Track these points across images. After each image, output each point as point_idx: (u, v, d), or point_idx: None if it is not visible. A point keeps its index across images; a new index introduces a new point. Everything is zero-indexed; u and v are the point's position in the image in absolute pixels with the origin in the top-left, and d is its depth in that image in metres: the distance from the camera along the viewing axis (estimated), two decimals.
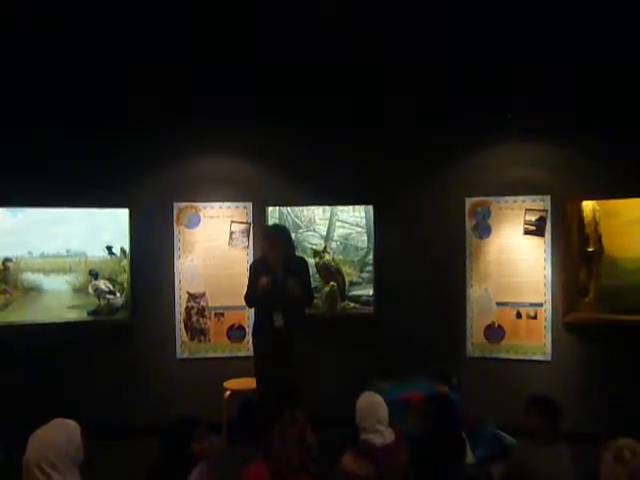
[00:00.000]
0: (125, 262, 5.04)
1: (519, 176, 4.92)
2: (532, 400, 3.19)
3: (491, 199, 4.99)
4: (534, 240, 4.87)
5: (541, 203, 4.86)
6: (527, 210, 4.89)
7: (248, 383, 4.71)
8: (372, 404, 3.11)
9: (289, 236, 4.46)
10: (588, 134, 4.63)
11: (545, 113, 4.73)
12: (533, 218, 4.87)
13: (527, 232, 4.88)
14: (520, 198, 4.91)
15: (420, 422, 3.11)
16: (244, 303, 4.47)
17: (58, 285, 4.96)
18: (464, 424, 3.49)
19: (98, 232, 5.02)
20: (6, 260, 4.83)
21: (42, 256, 4.93)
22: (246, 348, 5.10)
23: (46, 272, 4.95)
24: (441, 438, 2.95)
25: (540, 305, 4.84)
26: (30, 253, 4.91)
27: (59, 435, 2.35)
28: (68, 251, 5.00)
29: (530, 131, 4.85)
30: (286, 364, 4.18)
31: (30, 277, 4.91)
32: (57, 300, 4.96)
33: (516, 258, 4.92)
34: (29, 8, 4.05)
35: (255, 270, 4.34)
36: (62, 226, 4.96)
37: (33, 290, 4.91)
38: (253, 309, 4.51)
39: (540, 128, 4.80)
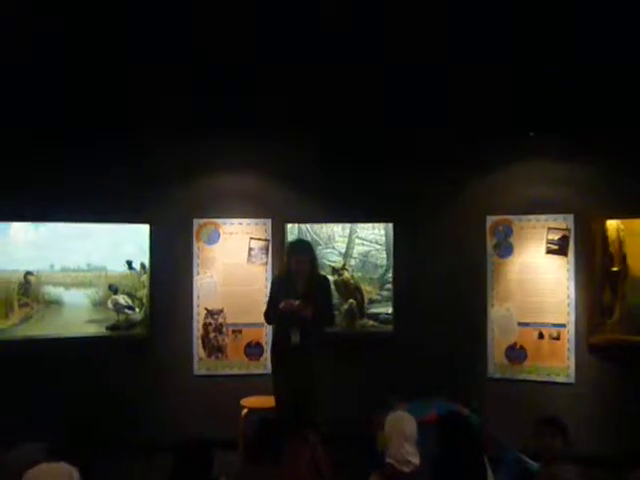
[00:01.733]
0: (145, 277, 5.05)
1: (542, 194, 4.86)
2: (540, 421, 3.12)
3: (513, 217, 4.93)
4: (557, 259, 4.79)
5: (564, 222, 4.78)
6: (550, 229, 4.81)
7: (265, 401, 4.67)
8: (403, 426, 3.03)
9: (314, 252, 4.42)
10: (612, 153, 4.57)
11: (569, 131, 4.68)
12: (556, 237, 4.79)
13: (550, 251, 4.81)
14: (543, 217, 4.85)
15: (438, 442, 3.02)
16: (262, 320, 4.46)
17: (78, 299, 4.98)
18: (485, 448, 3.40)
19: (119, 247, 5.05)
20: (28, 273, 4.86)
21: (63, 270, 4.96)
22: (263, 365, 5.08)
23: (67, 286, 4.97)
24: (461, 460, 2.87)
25: (563, 326, 4.75)
26: (52, 266, 4.94)
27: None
28: (89, 265, 5.02)
29: (553, 149, 4.81)
30: (303, 381, 4.13)
31: (51, 290, 4.93)
32: (77, 314, 4.97)
33: (538, 278, 4.84)
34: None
35: (276, 286, 4.33)
36: (83, 240, 4.99)
37: (54, 303, 4.93)
38: (272, 326, 4.48)
39: (563, 146, 4.76)
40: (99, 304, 5.02)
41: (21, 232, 4.86)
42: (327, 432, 3.02)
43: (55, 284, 4.96)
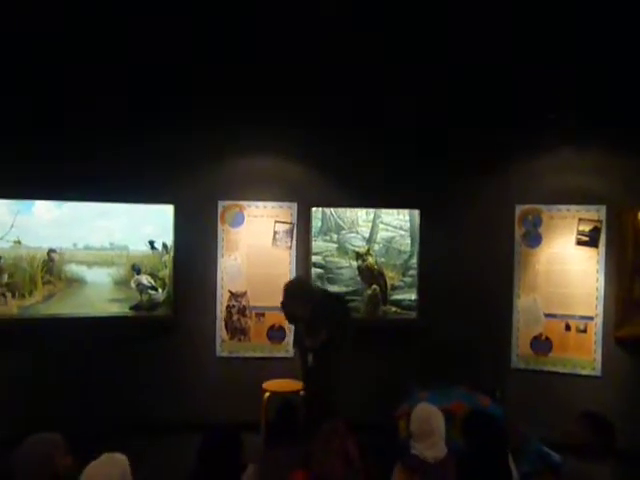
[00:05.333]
0: (167, 257, 5.03)
1: (573, 184, 4.78)
2: (585, 414, 3.06)
3: (543, 207, 4.85)
4: (587, 251, 4.71)
5: (596, 213, 4.69)
6: (580, 220, 4.73)
7: (287, 385, 4.67)
8: (430, 416, 3.00)
9: (301, 297, 4.10)
10: None
11: (604, 120, 4.57)
12: (587, 228, 4.70)
13: (580, 242, 4.73)
14: (574, 207, 4.76)
15: (464, 440, 2.99)
16: None
17: (100, 278, 4.97)
18: (508, 439, 3.37)
19: (141, 227, 5.02)
20: (51, 251, 4.86)
21: (86, 248, 4.95)
22: (285, 349, 5.07)
23: (89, 264, 4.96)
24: (486, 458, 2.84)
25: (591, 318, 4.69)
26: (75, 245, 4.92)
27: (114, 474, 2.32)
28: (111, 244, 5.00)
29: (586, 138, 4.70)
30: (323, 372, 4.12)
31: (74, 269, 4.93)
32: (99, 293, 4.97)
33: (567, 269, 4.77)
34: None
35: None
36: (106, 219, 4.97)
37: (76, 282, 4.93)
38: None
39: (597, 135, 4.65)
40: (121, 283, 5.01)
41: (45, 210, 4.85)
42: (349, 420, 2.99)
43: (78, 262, 4.95)
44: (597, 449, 2.85)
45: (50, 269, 4.88)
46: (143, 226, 5.03)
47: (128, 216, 4.98)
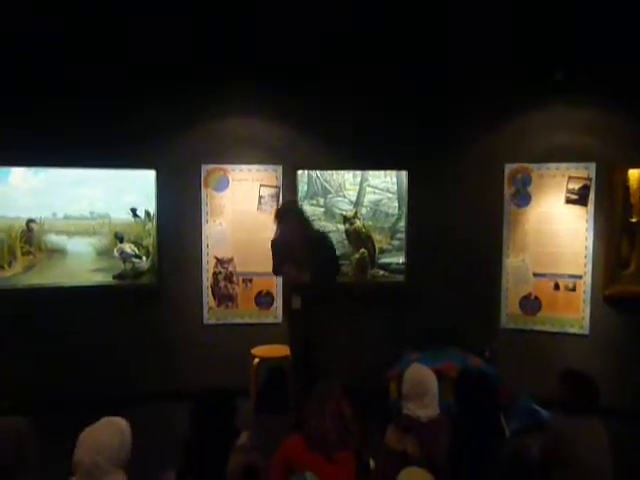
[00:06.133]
0: (150, 225, 4.91)
1: (563, 142, 4.71)
2: (568, 373, 3.06)
3: (532, 165, 4.79)
4: (576, 210, 4.68)
5: (585, 171, 4.64)
6: (570, 178, 4.68)
7: (276, 350, 4.65)
8: (422, 377, 2.96)
9: (301, 213, 4.40)
10: (637, 99, 4.39)
11: (593, 76, 4.48)
12: (576, 186, 4.66)
13: (569, 201, 4.69)
14: (563, 165, 4.70)
15: (455, 399, 2.98)
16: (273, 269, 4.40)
17: (82, 247, 4.86)
18: (500, 397, 3.38)
19: (122, 194, 4.88)
20: (30, 221, 4.73)
21: (66, 217, 4.81)
22: (274, 315, 5.02)
23: (70, 234, 4.84)
24: (478, 416, 2.83)
25: (579, 277, 4.68)
26: (54, 214, 4.79)
27: (112, 438, 2.21)
28: (92, 213, 4.87)
29: (576, 94, 4.61)
30: (310, 339, 4.19)
31: (54, 239, 4.81)
32: (81, 263, 4.86)
33: (556, 228, 4.74)
34: None
35: (276, 252, 4.29)
36: (86, 187, 4.82)
37: (57, 252, 4.82)
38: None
39: (587, 92, 4.57)
40: (104, 253, 4.90)
41: (22, 178, 4.70)
42: (340, 383, 2.97)
43: (58, 232, 4.84)
44: (581, 407, 2.85)
45: (29, 239, 4.76)
46: (125, 194, 4.90)
47: (109, 184, 4.84)
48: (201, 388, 2.77)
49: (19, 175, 4.69)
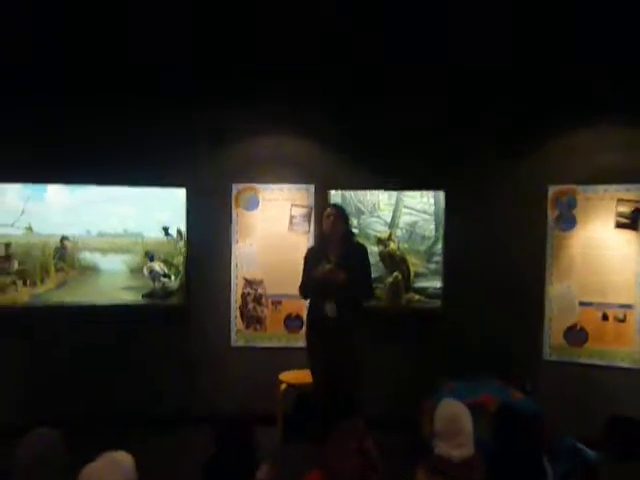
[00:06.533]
0: (182, 244, 4.86)
1: (611, 162, 4.43)
2: (615, 420, 2.81)
3: (578, 187, 4.53)
4: (626, 234, 4.38)
5: (636, 193, 4.35)
6: (619, 200, 4.39)
7: (304, 376, 4.47)
8: (456, 414, 2.74)
9: (347, 217, 4.15)
10: None
11: None
12: (626, 210, 4.37)
13: (619, 225, 4.40)
14: (612, 187, 4.43)
15: (493, 437, 2.75)
16: None
17: (114, 265, 4.85)
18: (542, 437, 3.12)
19: (155, 212, 4.86)
20: (64, 238, 4.75)
21: (100, 235, 4.82)
22: (303, 339, 4.84)
23: (103, 252, 4.84)
24: (518, 457, 2.60)
25: (630, 307, 4.36)
26: (88, 232, 4.80)
27: (113, 477, 2.05)
28: (125, 231, 4.86)
29: (624, 112, 4.35)
30: (341, 358, 3.86)
31: (87, 256, 4.81)
32: (112, 281, 4.84)
33: (604, 254, 4.45)
34: None
35: (310, 259, 4.06)
36: (119, 205, 4.83)
37: (89, 269, 4.81)
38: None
39: (635, 109, 4.31)
40: (136, 271, 4.87)
41: (57, 196, 4.73)
42: (369, 414, 2.79)
43: (91, 250, 4.83)
44: (628, 455, 2.61)
45: (63, 256, 4.77)
46: (157, 212, 4.87)
47: (141, 202, 4.84)
48: (224, 414, 2.73)
49: (54, 192, 4.72)
